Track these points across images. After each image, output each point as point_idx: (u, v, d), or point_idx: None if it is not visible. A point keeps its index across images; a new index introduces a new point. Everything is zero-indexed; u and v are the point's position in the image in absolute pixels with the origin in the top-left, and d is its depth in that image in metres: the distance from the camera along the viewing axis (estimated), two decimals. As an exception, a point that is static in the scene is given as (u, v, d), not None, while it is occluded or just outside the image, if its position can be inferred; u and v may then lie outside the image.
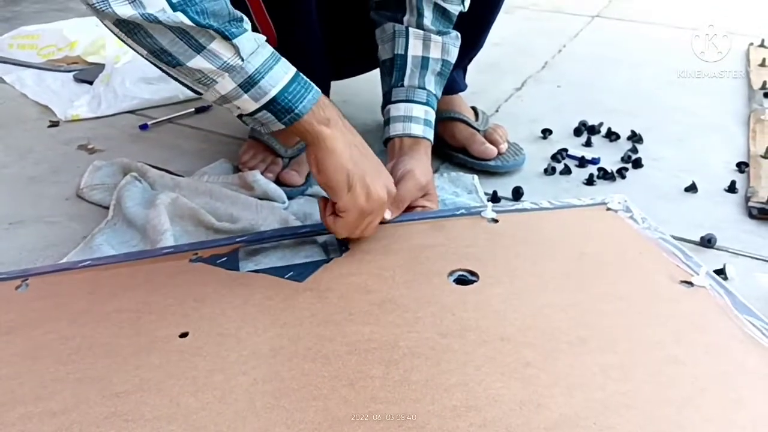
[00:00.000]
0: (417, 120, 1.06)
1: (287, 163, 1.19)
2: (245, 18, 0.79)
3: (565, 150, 1.30)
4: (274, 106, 0.80)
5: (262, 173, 1.15)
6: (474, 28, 1.23)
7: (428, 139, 1.07)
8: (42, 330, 0.76)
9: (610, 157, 1.29)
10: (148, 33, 0.74)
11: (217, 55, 0.76)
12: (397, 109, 1.07)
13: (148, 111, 1.51)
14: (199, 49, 0.75)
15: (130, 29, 0.74)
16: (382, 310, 0.77)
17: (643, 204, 1.12)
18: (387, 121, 1.08)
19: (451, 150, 1.28)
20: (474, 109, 1.31)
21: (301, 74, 0.82)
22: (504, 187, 1.17)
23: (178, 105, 1.53)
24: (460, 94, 1.31)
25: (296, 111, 0.80)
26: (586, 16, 2.20)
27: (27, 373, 0.70)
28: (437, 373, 0.68)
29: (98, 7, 0.72)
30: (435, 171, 1.24)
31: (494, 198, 1.14)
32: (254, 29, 0.84)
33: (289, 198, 1.13)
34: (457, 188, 1.16)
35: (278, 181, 1.16)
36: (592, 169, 1.24)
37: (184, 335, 0.74)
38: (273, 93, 0.79)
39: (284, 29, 1.06)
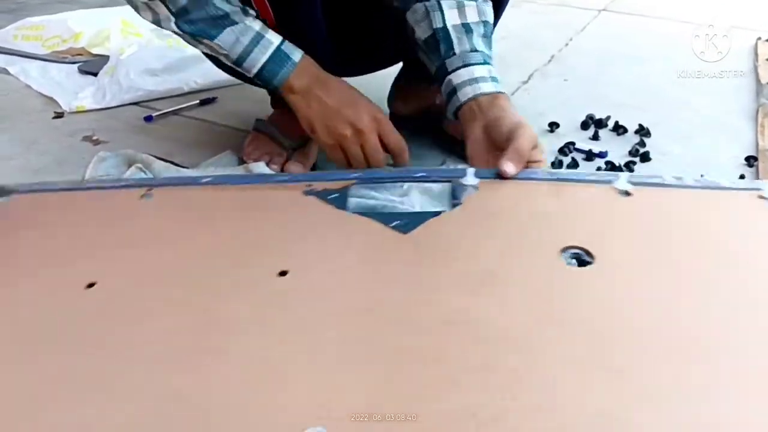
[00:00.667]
0: (484, 79, 1.01)
1: (291, 154, 1.19)
2: (232, 12, 0.97)
3: (573, 143, 1.29)
4: (259, 79, 1.02)
5: (266, 165, 1.14)
6: None
7: (504, 93, 1.02)
8: (154, 249, 0.79)
9: (617, 150, 1.28)
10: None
11: (209, 47, 1.00)
12: (459, 77, 1.02)
13: (153, 103, 1.51)
14: (198, 42, 1.01)
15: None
16: (483, 281, 0.72)
17: (651, 198, 1.12)
18: (452, 92, 1.02)
19: (457, 144, 1.27)
20: (480, 101, 1.30)
21: (282, 48, 1.00)
22: (511, 180, 1.16)
23: (182, 97, 1.53)
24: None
25: (273, 85, 1.01)
26: (593, 9, 2.19)
27: (133, 291, 0.72)
28: (526, 365, 0.62)
29: (134, 9, 0.99)
30: (441, 163, 1.23)
31: (501, 191, 1.13)
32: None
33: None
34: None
35: (283, 173, 1.15)
36: (600, 162, 1.23)
37: (283, 273, 0.73)
38: (254, 71, 1.00)
39: (289, 29, 1.05)
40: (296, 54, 1.00)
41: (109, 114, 1.46)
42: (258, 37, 0.98)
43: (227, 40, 0.98)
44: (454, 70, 1.02)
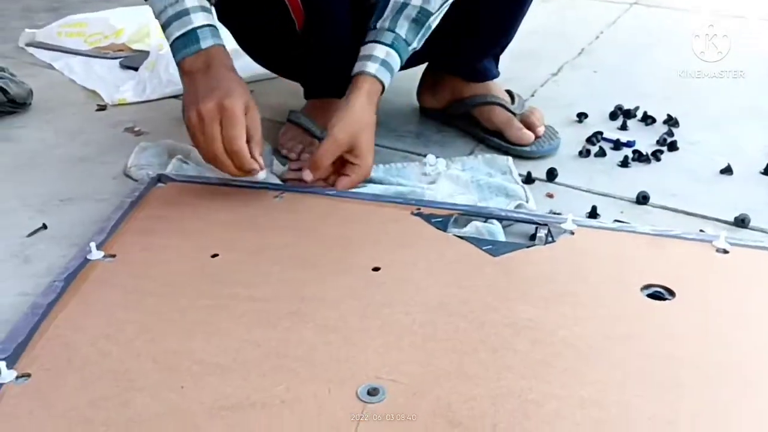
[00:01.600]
0: (374, 59, 1.07)
1: (325, 144, 1.22)
2: None
3: (600, 133, 1.31)
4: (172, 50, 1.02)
5: (299, 154, 1.18)
6: (505, 16, 1.25)
7: (378, 79, 1.07)
8: (273, 235, 0.94)
9: (645, 140, 1.30)
10: None
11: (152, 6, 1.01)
12: (363, 50, 1.08)
13: (191, 96, 1.55)
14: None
15: None
16: (557, 300, 0.79)
17: (677, 186, 1.14)
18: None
19: (487, 134, 1.30)
20: (509, 92, 1.33)
21: (197, 32, 0.99)
22: (538, 168, 1.19)
23: (220, 90, 1.57)
24: (495, 80, 1.33)
25: (176, 59, 1.02)
26: (624, 3, 2.20)
27: (248, 264, 0.87)
28: (581, 366, 0.69)
29: None
30: (470, 153, 1.26)
31: (528, 179, 1.16)
32: (285, 9, 1.10)
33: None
34: (492, 169, 1.18)
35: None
36: (627, 151, 1.25)
37: (376, 269, 0.85)
38: (169, 42, 1.02)
39: (312, 13, 1.09)
40: (207, 41, 0.99)
41: (150, 107, 1.51)
42: (182, 14, 0.99)
43: (158, 5, 0.99)
44: (364, 43, 1.08)
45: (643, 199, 1.09)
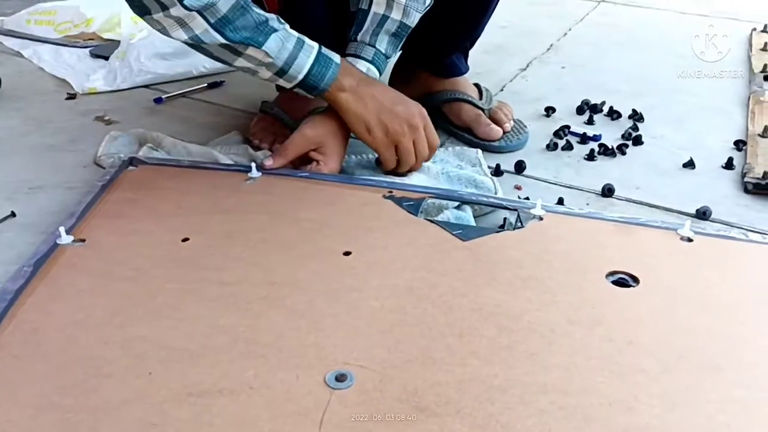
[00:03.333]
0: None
1: (296, 135, 1.23)
2: (270, 18, 0.98)
3: (568, 127, 1.33)
4: (303, 86, 1.02)
5: (271, 145, 1.19)
6: (474, 12, 1.26)
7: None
8: (245, 219, 0.94)
9: (611, 134, 1.32)
10: (202, 48, 0.98)
11: (253, 57, 0.98)
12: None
13: (163, 86, 1.55)
14: (238, 54, 0.98)
15: (191, 45, 0.98)
16: (524, 285, 0.81)
17: (642, 179, 1.17)
18: None
19: (457, 129, 1.31)
20: (477, 86, 1.34)
21: (322, 52, 1.01)
22: (507, 161, 1.21)
23: (191, 80, 1.57)
24: (464, 75, 1.35)
25: (320, 87, 1.02)
26: (592, 0, 2.23)
27: (219, 248, 0.87)
28: (545, 351, 0.71)
29: (162, 33, 0.96)
30: (441, 145, 1.27)
31: (497, 172, 1.18)
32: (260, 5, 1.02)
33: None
34: (461, 161, 1.20)
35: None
36: (593, 145, 1.28)
37: (347, 254, 0.86)
38: (300, 77, 1.01)
39: (291, 17, 1.10)
40: (335, 56, 1.03)
41: (120, 96, 1.50)
42: (300, 42, 1.00)
43: (274, 46, 0.98)
44: (345, 55, 1.09)
45: (608, 191, 1.12)
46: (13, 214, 1.04)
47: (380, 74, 1.12)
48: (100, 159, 1.18)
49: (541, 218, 0.94)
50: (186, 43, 0.97)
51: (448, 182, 1.11)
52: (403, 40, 1.13)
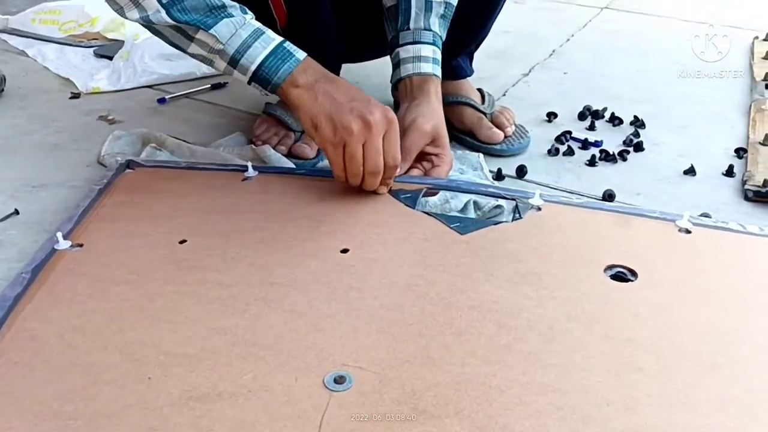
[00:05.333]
0: (426, 59, 1.10)
1: (299, 136, 1.23)
2: (229, 5, 0.93)
3: (569, 132, 1.34)
4: (256, 78, 0.95)
5: (274, 147, 1.19)
6: (480, 14, 1.27)
7: (437, 76, 1.10)
8: (242, 218, 0.94)
9: (612, 140, 1.33)
10: (156, 30, 0.95)
11: (204, 42, 0.93)
12: (406, 51, 1.11)
13: (166, 86, 1.55)
14: (190, 39, 0.94)
15: (146, 28, 0.96)
16: (523, 280, 0.81)
17: (642, 185, 1.17)
18: (396, 65, 1.12)
19: (459, 133, 1.32)
20: (480, 91, 1.35)
21: (284, 45, 0.95)
22: (509, 165, 1.21)
23: (195, 81, 1.58)
24: (467, 78, 1.35)
25: (273, 82, 0.94)
26: (595, 7, 2.23)
27: (217, 249, 0.87)
28: (543, 350, 0.71)
29: (119, 14, 0.95)
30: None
31: (498, 176, 1.18)
32: (266, 8, 1.05)
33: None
34: (463, 165, 1.20)
35: (290, 154, 1.20)
36: (595, 151, 1.28)
37: (344, 251, 0.86)
38: (253, 68, 0.94)
39: (295, 10, 1.10)
40: (300, 53, 0.96)
41: (124, 96, 1.51)
42: (258, 32, 0.94)
43: (224, 31, 0.92)
44: (403, 45, 1.10)
45: (608, 197, 1.12)
46: (16, 212, 1.04)
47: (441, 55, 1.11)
48: (103, 158, 1.19)
49: (539, 208, 0.94)
50: (140, 23, 0.94)
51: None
52: (449, 21, 1.13)
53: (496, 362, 0.69)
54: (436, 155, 1.06)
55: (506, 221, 0.93)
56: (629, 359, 0.70)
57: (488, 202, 1.02)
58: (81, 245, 0.88)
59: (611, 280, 0.82)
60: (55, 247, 0.87)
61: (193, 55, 0.97)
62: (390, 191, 0.98)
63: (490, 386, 0.66)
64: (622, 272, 0.83)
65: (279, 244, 0.88)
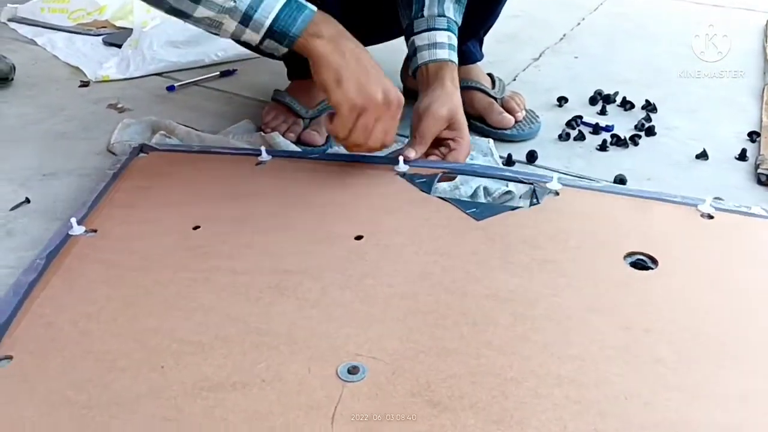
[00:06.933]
0: (441, 45, 1.08)
1: (308, 123, 1.23)
2: None
3: (580, 117, 1.33)
4: (272, 34, 0.90)
5: (283, 134, 1.19)
6: None
7: (453, 62, 1.09)
8: (256, 204, 0.92)
9: (624, 125, 1.32)
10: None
11: (213, 2, 0.88)
12: (422, 39, 1.09)
13: (175, 74, 1.55)
14: (197, 1, 0.88)
15: None
16: (540, 268, 0.79)
17: (654, 169, 1.16)
18: (413, 53, 1.10)
19: (469, 118, 1.30)
20: (490, 76, 1.34)
21: None
22: (519, 151, 1.21)
23: (203, 69, 1.58)
24: (477, 63, 1.34)
25: (291, 34, 0.89)
26: (606, -10, 2.22)
27: (230, 236, 0.86)
28: (560, 341, 0.69)
29: None
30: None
31: (509, 161, 1.17)
32: None
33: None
34: (473, 151, 1.19)
35: (299, 141, 1.20)
36: (606, 135, 1.27)
37: (358, 238, 0.85)
38: (268, 23, 0.89)
39: None
40: (311, 6, 0.91)
41: (133, 84, 1.51)
42: None
43: None
44: (419, 32, 1.08)
45: (620, 181, 1.11)
46: (27, 201, 1.04)
47: (457, 40, 1.10)
48: (112, 146, 1.19)
49: (557, 193, 0.93)
50: None
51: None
52: (464, 5, 1.12)
53: (512, 353, 0.67)
54: (452, 140, 1.05)
55: (522, 206, 0.91)
56: (649, 351, 0.68)
57: (498, 188, 1.02)
58: (95, 231, 0.88)
59: (631, 268, 0.79)
60: (70, 232, 0.87)
61: (198, 20, 0.90)
62: (405, 175, 0.97)
63: (506, 378, 0.65)
64: (642, 260, 0.80)
65: (292, 231, 0.87)
